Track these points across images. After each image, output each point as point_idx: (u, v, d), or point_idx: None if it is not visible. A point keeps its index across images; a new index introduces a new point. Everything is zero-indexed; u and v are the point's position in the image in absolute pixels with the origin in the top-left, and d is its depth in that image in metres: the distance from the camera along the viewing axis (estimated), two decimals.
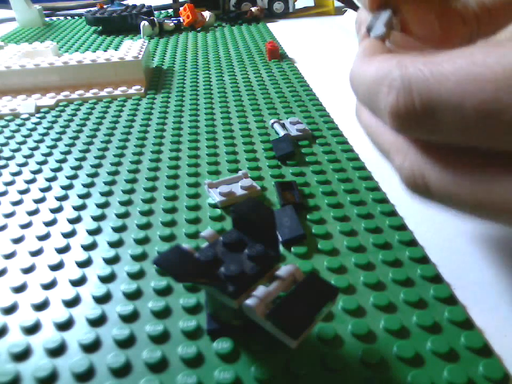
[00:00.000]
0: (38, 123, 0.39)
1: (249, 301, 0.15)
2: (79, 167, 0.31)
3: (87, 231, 0.24)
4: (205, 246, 0.17)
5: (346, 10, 0.71)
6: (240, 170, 0.29)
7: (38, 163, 0.32)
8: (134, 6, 0.73)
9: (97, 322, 0.19)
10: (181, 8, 0.70)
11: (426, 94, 0.13)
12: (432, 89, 0.12)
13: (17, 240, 0.24)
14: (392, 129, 0.15)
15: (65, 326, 0.19)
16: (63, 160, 0.32)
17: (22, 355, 0.17)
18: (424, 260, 0.21)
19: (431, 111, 0.13)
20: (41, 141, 0.36)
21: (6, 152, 0.34)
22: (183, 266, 0.15)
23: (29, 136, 0.36)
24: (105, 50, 0.58)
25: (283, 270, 0.17)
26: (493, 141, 0.12)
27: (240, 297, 0.16)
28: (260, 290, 0.16)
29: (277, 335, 0.15)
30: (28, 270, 0.22)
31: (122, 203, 0.27)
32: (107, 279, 0.21)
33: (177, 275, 0.15)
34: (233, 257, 0.17)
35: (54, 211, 0.26)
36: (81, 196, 0.28)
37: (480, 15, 0.19)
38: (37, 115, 0.40)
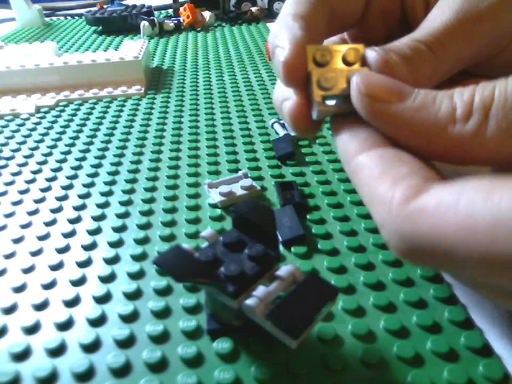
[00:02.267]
0: (38, 123, 0.39)
1: (249, 301, 0.15)
2: (79, 167, 0.31)
3: (87, 231, 0.24)
4: (205, 246, 0.17)
5: None
6: (240, 170, 0.29)
7: (38, 163, 0.32)
8: (134, 6, 0.73)
9: (97, 322, 0.19)
10: (181, 8, 0.70)
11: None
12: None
13: (17, 240, 0.24)
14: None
15: (65, 326, 0.19)
16: (63, 160, 0.32)
17: (22, 355, 0.17)
18: None
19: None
20: (41, 141, 0.36)
21: (6, 152, 0.34)
22: (183, 266, 0.15)
23: (29, 136, 0.36)
24: (105, 50, 0.58)
25: (283, 270, 0.17)
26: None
27: (240, 297, 0.16)
28: (260, 290, 0.16)
29: (277, 335, 0.15)
30: (28, 270, 0.22)
31: (122, 203, 0.27)
32: (107, 279, 0.21)
33: (177, 275, 0.15)
34: (233, 257, 0.17)
35: (54, 211, 0.26)
36: (81, 196, 0.28)
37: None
38: (37, 115, 0.40)
